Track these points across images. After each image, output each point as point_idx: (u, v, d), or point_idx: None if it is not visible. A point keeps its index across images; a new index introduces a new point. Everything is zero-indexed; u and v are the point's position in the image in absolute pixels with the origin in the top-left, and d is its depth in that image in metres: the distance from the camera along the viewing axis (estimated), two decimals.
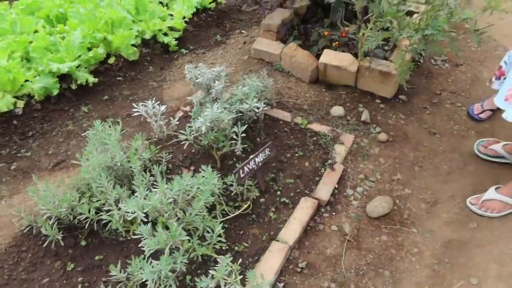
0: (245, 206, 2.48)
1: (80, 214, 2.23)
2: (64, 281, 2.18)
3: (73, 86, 3.46)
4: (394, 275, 2.26)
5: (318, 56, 3.56)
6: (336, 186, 2.72)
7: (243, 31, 4.55)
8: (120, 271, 2.01)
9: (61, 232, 2.28)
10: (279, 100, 3.39)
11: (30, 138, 3.14)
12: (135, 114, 2.74)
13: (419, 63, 3.77)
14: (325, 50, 3.52)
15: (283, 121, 3.16)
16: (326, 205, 2.62)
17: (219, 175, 2.49)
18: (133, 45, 3.89)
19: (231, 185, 2.47)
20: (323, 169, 2.80)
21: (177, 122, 2.90)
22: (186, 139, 2.66)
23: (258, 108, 2.76)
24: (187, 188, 2.09)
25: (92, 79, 3.49)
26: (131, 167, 2.35)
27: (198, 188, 2.13)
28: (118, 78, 3.78)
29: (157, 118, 2.71)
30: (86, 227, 2.30)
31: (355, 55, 3.43)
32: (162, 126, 2.77)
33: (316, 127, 3.12)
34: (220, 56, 4.14)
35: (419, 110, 3.32)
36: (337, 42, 3.61)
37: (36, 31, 3.74)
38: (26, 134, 3.15)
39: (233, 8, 5.02)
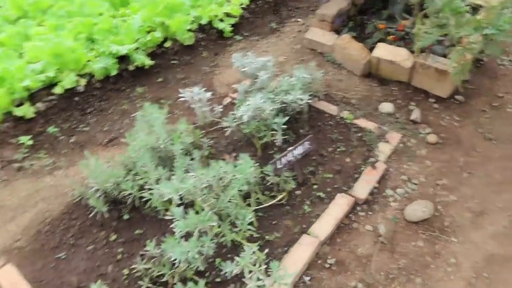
0: (280, 196, 2.51)
1: (124, 190, 2.39)
2: (106, 250, 2.36)
3: (131, 68, 3.64)
4: (426, 283, 2.19)
5: (372, 49, 3.44)
6: (376, 185, 2.65)
7: (298, 20, 4.50)
8: (155, 247, 2.13)
9: (107, 205, 2.46)
10: (327, 92, 3.34)
11: (88, 114, 3.37)
12: (182, 99, 2.85)
13: (481, 62, 3.52)
14: (380, 44, 3.40)
15: (329, 115, 3.12)
16: (362, 204, 2.57)
17: (258, 163, 2.53)
18: (189, 30, 4.00)
19: (269, 175, 2.51)
20: (364, 166, 2.74)
21: (221, 109, 2.97)
22: (229, 126, 2.73)
23: (302, 100, 2.75)
24: (222, 175, 2.15)
25: (148, 62, 3.66)
26: (173, 150, 2.46)
27: (233, 175, 2.19)
28: (173, 62, 3.92)
29: (201, 104, 2.79)
30: (129, 202, 2.46)
31: (412, 50, 3.28)
32: (206, 113, 2.86)
33: (362, 122, 3.05)
34: (273, 44, 4.14)
35: (476, 113, 3.12)
36: (393, 36, 3.46)
37: (100, 14, 3.97)
38: (86, 110, 3.39)
39: None
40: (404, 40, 3.46)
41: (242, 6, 4.49)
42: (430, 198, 2.57)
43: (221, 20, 4.28)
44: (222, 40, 4.23)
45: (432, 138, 2.92)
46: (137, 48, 3.70)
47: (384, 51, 3.35)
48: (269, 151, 2.82)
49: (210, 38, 4.20)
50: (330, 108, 3.17)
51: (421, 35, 2.66)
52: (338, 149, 2.86)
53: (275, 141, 2.74)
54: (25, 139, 3.03)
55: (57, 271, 2.28)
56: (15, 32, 3.62)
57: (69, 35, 3.51)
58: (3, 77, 3.12)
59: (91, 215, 2.48)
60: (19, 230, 2.48)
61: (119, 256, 2.32)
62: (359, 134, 2.96)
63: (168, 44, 3.95)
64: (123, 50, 3.51)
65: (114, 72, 3.53)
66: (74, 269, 2.27)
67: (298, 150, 2.53)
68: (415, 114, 3.07)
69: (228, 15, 4.36)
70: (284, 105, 2.81)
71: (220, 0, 4.40)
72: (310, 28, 3.96)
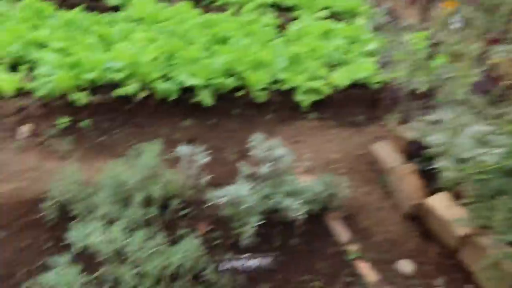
0: None
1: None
2: None
3: (191, 100, 3.72)
4: None
5: (433, 192, 2.87)
6: None
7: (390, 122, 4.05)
8: None
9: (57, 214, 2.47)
10: (351, 214, 2.87)
11: (128, 125, 3.51)
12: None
13: None
14: (442, 193, 2.81)
15: (331, 240, 2.65)
16: None
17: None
18: (265, 89, 3.92)
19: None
20: None
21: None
22: (208, 200, 2.50)
23: (292, 209, 2.39)
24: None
25: (209, 101, 3.68)
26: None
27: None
28: (234, 112, 3.85)
29: (190, 166, 2.61)
30: None
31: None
32: (189, 177, 2.67)
33: (364, 267, 2.52)
34: (337, 138, 3.77)
35: None
36: None
37: (192, 43, 4.16)
38: (128, 120, 3.54)
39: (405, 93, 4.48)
40: None
41: (336, 87, 4.24)
42: None
43: (304, 92, 4.11)
44: (293, 112, 4.03)
45: None
46: (206, 86, 3.76)
47: (441, 203, 2.76)
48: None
49: (283, 105, 4.05)
50: (338, 233, 2.71)
51: None
52: (311, 284, 2.39)
53: (243, 239, 2.42)
54: (62, 121, 3.29)
55: None
56: (121, 29, 4.03)
57: (154, 51, 3.75)
58: (77, 63, 3.46)
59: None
60: None
61: None
62: (350, 279, 2.45)
63: (239, 93, 3.93)
64: (189, 81, 3.60)
65: (172, 97, 3.63)
66: None
67: (251, 262, 2.19)
68: None
69: (315, 90, 4.16)
70: (276, 206, 2.49)
71: (315, 73, 4.24)
72: (382, 140, 3.52)
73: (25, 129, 3.24)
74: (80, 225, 2.01)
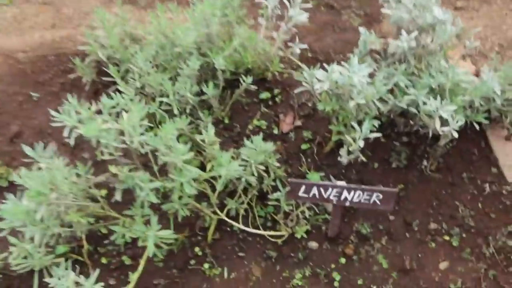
0: (279, 233, 1.46)
1: None
2: None
3: None
4: None
5: None
6: None
7: None
8: None
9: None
10: None
11: None
12: None
13: None
14: None
15: (496, 173, 1.63)
16: None
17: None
18: None
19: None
20: None
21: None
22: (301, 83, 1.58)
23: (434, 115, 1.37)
24: None
25: None
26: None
27: None
28: None
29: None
30: None
31: None
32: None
33: None
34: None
35: None
36: None
37: None
38: None
39: None
40: None
41: None
42: None
43: None
44: None
45: None
46: None
47: None
48: (333, 156, 1.63)
49: None
50: (502, 162, 1.65)
51: None
52: (444, 238, 1.48)
53: (345, 151, 1.52)
54: None
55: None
56: None
57: None
58: None
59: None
60: (33, 44, 2.09)
61: None
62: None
63: None
64: None
65: None
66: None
67: (355, 196, 1.33)
68: None
69: None
70: (410, 106, 1.48)
71: None
72: None
73: None
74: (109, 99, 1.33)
